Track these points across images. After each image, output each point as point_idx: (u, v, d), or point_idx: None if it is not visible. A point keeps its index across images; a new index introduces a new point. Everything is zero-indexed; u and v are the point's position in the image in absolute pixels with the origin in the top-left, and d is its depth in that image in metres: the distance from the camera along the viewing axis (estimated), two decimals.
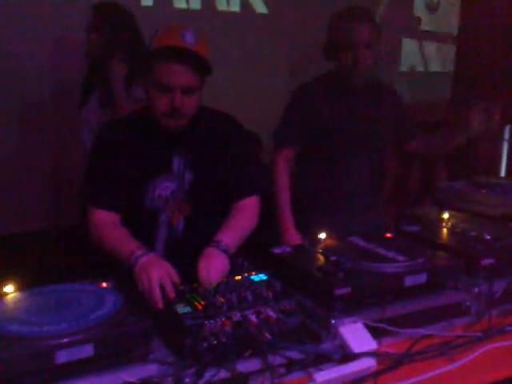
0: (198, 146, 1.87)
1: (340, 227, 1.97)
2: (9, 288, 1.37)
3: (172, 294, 1.45)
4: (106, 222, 1.81)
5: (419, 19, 4.91)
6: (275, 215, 2.38)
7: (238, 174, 1.92)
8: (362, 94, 2.40)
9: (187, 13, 3.90)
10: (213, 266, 1.57)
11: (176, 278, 1.53)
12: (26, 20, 3.28)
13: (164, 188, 1.84)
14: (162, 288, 1.48)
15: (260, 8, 4.19)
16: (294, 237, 2.29)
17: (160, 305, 1.44)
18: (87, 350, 1.17)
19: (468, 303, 1.63)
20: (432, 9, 4.94)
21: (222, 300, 1.40)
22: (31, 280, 1.47)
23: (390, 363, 1.39)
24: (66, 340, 1.15)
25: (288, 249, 1.77)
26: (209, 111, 1.91)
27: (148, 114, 1.82)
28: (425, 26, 4.94)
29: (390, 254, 1.65)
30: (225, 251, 1.70)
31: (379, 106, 2.45)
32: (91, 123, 2.72)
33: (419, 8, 4.92)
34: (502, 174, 2.76)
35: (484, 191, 2.14)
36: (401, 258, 1.62)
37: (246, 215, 1.91)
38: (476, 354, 1.48)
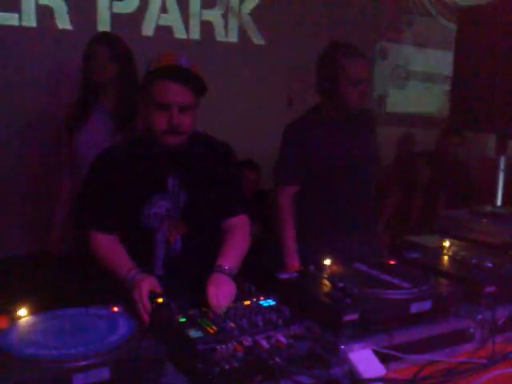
0: (192, 168, 1.96)
1: (339, 253, 2.02)
2: (22, 311, 1.38)
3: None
4: (106, 244, 1.90)
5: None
6: (280, 251, 2.46)
7: (227, 194, 2.01)
8: (348, 123, 2.50)
9: (187, 43, 3.98)
10: (222, 292, 1.60)
11: (159, 289, 1.63)
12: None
13: (159, 206, 1.91)
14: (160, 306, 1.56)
15: (257, 39, 4.28)
16: None
17: (146, 316, 1.54)
18: (104, 374, 1.18)
19: (472, 330, 1.66)
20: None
21: (233, 325, 1.42)
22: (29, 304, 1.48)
23: None
24: (83, 363, 1.17)
25: (294, 274, 1.79)
26: (203, 136, 2.03)
27: (142, 138, 1.95)
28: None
29: (395, 281, 1.68)
30: (231, 275, 1.75)
31: (365, 132, 2.57)
32: (96, 147, 2.70)
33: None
34: (498, 203, 2.82)
35: (484, 220, 2.19)
36: (406, 284, 1.65)
37: (239, 236, 1.97)
38: (481, 380, 1.50)
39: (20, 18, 3.33)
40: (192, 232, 1.96)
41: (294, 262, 2.43)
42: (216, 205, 1.98)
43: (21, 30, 3.36)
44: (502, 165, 2.80)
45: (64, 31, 3.44)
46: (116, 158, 1.97)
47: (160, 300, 1.57)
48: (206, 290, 1.61)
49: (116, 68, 2.78)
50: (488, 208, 2.41)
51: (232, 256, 1.86)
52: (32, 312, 1.41)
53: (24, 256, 3.16)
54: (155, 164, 1.92)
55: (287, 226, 2.48)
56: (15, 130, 3.39)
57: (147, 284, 1.63)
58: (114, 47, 2.79)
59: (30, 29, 3.39)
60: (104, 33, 2.88)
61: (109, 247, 1.89)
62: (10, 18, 3.31)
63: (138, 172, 1.91)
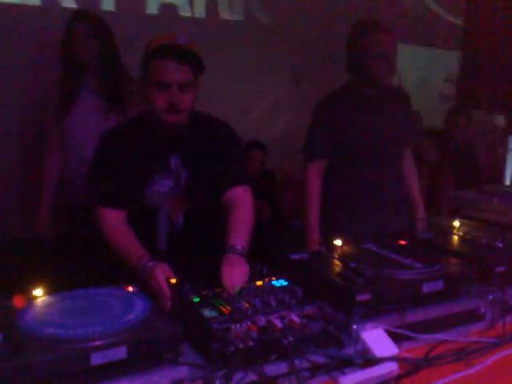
0: (193, 147, 2.00)
1: (365, 228, 2.15)
2: (38, 291, 1.39)
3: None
4: (115, 222, 1.94)
5: None
6: (303, 223, 2.50)
7: (227, 167, 2.03)
8: (380, 102, 2.52)
9: (191, 21, 3.94)
10: (236, 272, 1.61)
11: (171, 274, 1.63)
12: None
13: (162, 184, 1.96)
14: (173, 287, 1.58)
15: (262, 18, 4.24)
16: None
17: (168, 303, 1.53)
18: (121, 353, 1.19)
19: (482, 310, 1.67)
20: None
21: (247, 305, 1.43)
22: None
23: (409, 368, 1.42)
24: (100, 343, 1.18)
25: (305, 255, 1.80)
26: (204, 116, 2.06)
27: (145, 118, 1.98)
28: None
29: (407, 261, 1.68)
30: (242, 255, 1.77)
31: (397, 111, 2.58)
32: (90, 133, 2.69)
33: None
34: (507, 182, 2.82)
35: (495, 199, 2.19)
36: (418, 265, 1.65)
37: (244, 211, 1.99)
38: (492, 359, 1.52)
39: None
40: (194, 208, 2.01)
41: (314, 237, 2.47)
42: (217, 179, 2.01)
43: (25, 7, 3.34)
44: (510, 144, 2.79)
45: (68, 9, 3.39)
46: (120, 138, 2.01)
47: (173, 280, 1.58)
48: (221, 271, 1.62)
49: (97, 45, 2.76)
50: (497, 187, 2.41)
51: (242, 234, 1.87)
52: (47, 292, 1.42)
53: (18, 239, 3.17)
54: (158, 143, 1.96)
55: (313, 201, 2.52)
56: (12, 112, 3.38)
57: (161, 271, 1.64)
58: (93, 24, 2.77)
59: (34, 7, 3.37)
60: (82, 10, 2.89)
61: (117, 227, 1.92)
62: None
63: (141, 151, 1.95)
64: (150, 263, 1.71)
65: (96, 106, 2.81)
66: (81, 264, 2.62)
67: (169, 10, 3.87)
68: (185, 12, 3.94)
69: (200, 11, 3.99)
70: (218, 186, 2.01)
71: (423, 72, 5.06)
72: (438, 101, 5.02)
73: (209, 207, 2.04)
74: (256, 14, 4.23)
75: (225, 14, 4.11)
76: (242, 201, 2.01)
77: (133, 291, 1.45)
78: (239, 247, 1.78)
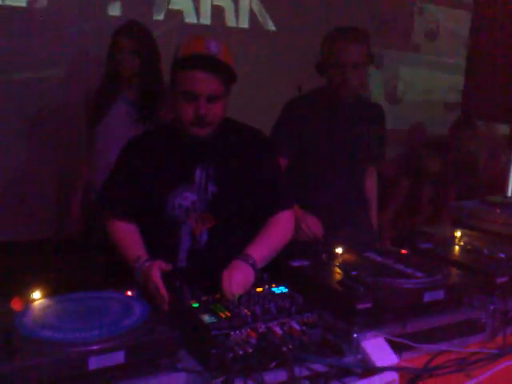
0: (222, 159, 1.89)
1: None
2: (36, 294, 1.38)
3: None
4: (122, 232, 1.87)
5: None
6: None
7: (269, 189, 1.93)
8: (348, 110, 2.48)
9: (197, 28, 3.96)
10: (235, 278, 1.58)
11: (167, 267, 1.60)
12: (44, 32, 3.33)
13: (184, 198, 1.87)
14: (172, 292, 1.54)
15: (268, 25, 4.25)
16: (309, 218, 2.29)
17: (166, 305, 1.49)
18: (119, 358, 1.18)
19: (483, 320, 1.66)
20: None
21: (247, 311, 1.42)
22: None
23: (410, 377, 1.41)
24: (98, 347, 1.17)
25: (306, 262, 1.79)
26: (234, 124, 1.95)
27: (172, 127, 1.90)
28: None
29: (408, 270, 1.68)
30: (252, 265, 1.68)
31: (364, 122, 2.52)
32: (118, 137, 2.72)
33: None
34: (510, 193, 2.81)
35: (497, 210, 2.18)
36: (419, 274, 1.65)
37: (277, 231, 1.89)
38: (493, 370, 1.51)
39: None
40: (220, 225, 1.90)
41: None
42: (250, 200, 1.90)
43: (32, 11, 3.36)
44: None
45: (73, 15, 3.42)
46: (144, 145, 1.93)
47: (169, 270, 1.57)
48: (221, 274, 1.59)
49: (140, 61, 2.79)
50: (500, 198, 2.40)
51: (262, 248, 1.78)
52: (45, 295, 1.41)
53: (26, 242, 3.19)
54: (182, 154, 1.88)
55: None
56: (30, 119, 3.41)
57: (157, 270, 1.58)
58: (139, 39, 2.79)
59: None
60: (129, 24, 2.85)
61: (124, 235, 1.86)
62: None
63: (165, 161, 1.87)
64: (146, 263, 1.65)
65: (127, 116, 2.84)
66: (92, 267, 2.63)
67: (175, 17, 3.88)
68: (191, 18, 3.95)
69: (206, 18, 4.01)
70: (254, 209, 1.91)
71: (428, 81, 5.11)
72: (442, 110, 5.05)
73: (236, 225, 1.93)
74: (261, 22, 4.24)
75: (230, 22, 4.12)
76: (279, 223, 1.90)
77: (132, 295, 1.45)
78: (251, 258, 1.69)
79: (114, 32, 2.81)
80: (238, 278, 1.58)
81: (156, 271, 1.58)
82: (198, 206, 1.88)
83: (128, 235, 1.86)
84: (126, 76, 2.81)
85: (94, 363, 1.16)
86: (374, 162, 2.71)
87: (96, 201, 2.80)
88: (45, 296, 1.40)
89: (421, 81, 5.12)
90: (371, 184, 2.72)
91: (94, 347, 1.17)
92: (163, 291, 1.52)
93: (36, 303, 1.36)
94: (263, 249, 1.79)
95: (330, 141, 2.45)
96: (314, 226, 2.26)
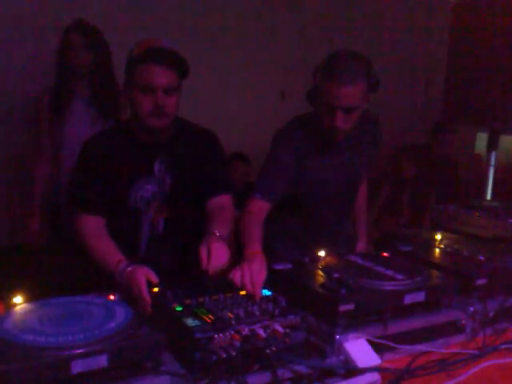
0: (178, 153, 2.01)
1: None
2: (18, 299, 1.37)
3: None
4: (93, 229, 1.92)
5: None
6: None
7: (212, 175, 2.06)
8: (344, 141, 2.18)
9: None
10: (213, 253, 1.64)
11: (155, 279, 1.61)
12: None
13: (146, 190, 1.99)
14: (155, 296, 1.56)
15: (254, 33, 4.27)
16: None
17: (149, 309, 1.52)
18: (102, 361, 1.18)
19: (463, 322, 1.69)
20: None
21: (230, 314, 1.43)
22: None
23: (391, 378, 1.43)
24: (81, 350, 1.16)
25: (289, 265, 1.80)
26: (191, 124, 2.09)
27: (131, 123, 1.99)
28: None
29: (389, 273, 1.69)
30: (221, 238, 1.77)
31: (363, 147, 2.28)
32: (82, 138, 2.71)
33: None
34: (488, 197, 2.86)
35: (476, 213, 2.21)
36: (400, 276, 1.67)
37: (226, 212, 2.01)
38: (473, 370, 1.53)
39: None
40: (175, 215, 2.03)
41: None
42: (201, 187, 2.02)
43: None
44: (492, 160, 2.84)
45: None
46: (105, 143, 2.01)
47: (155, 289, 1.57)
48: (198, 251, 1.65)
49: (91, 57, 2.81)
50: (479, 202, 2.44)
51: (222, 226, 1.86)
52: (27, 300, 1.40)
53: (7, 246, 3.14)
54: (142, 149, 1.97)
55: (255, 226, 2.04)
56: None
57: (143, 275, 1.60)
58: (90, 36, 2.81)
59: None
60: (79, 21, 2.88)
61: (95, 232, 1.91)
62: None
63: (126, 156, 1.96)
64: (129, 268, 1.68)
65: (88, 115, 2.84)
66: (67, 271, 2.60)
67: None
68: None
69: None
70: (202, 193, 2.03)
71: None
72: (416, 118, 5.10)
73: (191, 214, 2.06)
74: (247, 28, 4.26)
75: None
76: (225, 205, 2.03)
77: (114, 299, 1.44)
78: (217, 232, 1.78)
79: (64, 29, 2.83)
80: (216, 252, 1.65)
81: (141, 276, 1.60)
82: (157, 197, 2.00)
83: (101, 237, 1.90)
84: (81, 72, 2.83)
85: (77, 367, 1.15)
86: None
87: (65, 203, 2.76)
88: (26, 300, 1.39)
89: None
90: (361, 203, 2.55)
91: (77, 351, 1.16)
92: (146, 294, 1.54)
93: (18, 308, 1.35)
94: (225, 227, 1.87)
95: (328, 176, 2.21)
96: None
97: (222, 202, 2.04)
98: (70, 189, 2.07)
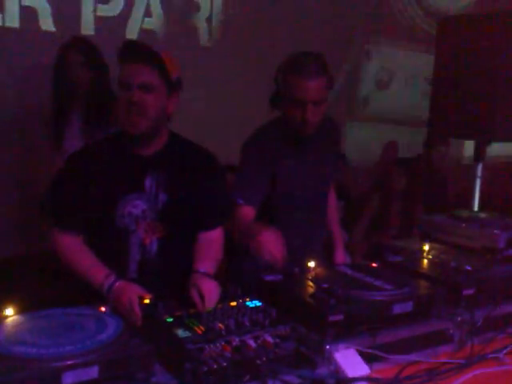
0: (172, 169, 1.91)
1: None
2: (9, 311, 1.38)
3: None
4: (72, 245, 1.86)
5: None
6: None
7: (211, 205, 1.97)
8: (310, 140, 2.25)
9: (170, 47, 3.98)
10: (207, 295, 1.61)
11: (148, 295, 1.60)
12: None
13: (134, 206, 1.86)
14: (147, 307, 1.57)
15: (241, 42, 4.30)
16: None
17: (140, 322, 1.52)
18: (93, 373, 1.18)
19: (451, 331, 1.70)
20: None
21: (221, 325, 1.44)
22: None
23: None
24: (72, 362, 1.17)
25: (279, 276, 1.81)
26: (184, 139, 1.99)
27: (122, 136, 1.89)
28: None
29: (378, 283, 1.71)
30: (211, 276, 1.77)
31: (327, 147, 2.36)
32: None
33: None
34: (476, 208, 2.90)
35: (464, 224, 2.24)
36: (388, 286, 1.69)
37: (215, 248, 1.97)
38: (460, 380, 1.54)
39: (3, 19, 3.30)
40: (169, 235, 1.90)
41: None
42: (196, 212, 1.94)
43: (3, 30, 3.34)
44: (479, 171, 2.88)
45: (47, 33, 3.42)
46: (92, 154, 1.92)
47: (147, 301, 1.58)
48: (189, 291, 1.63)
49: (89, 75, 2.84)
50: (466, 212, 2.47)
51: (209, 263, 1.86)
52: (18, 312, 1.41)
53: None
54: (132, 162, 1.88)
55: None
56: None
57: (135, 292, 1.61)
58: (88, 53, 2.84)
59: (12, 29, 3.37)
60: (77, 38, 2.93)
61: (74, 248, 1.86)
62: None
63: (114, 170, 1.87)
64: (118, 283, 1.68)
65: (85, 131, 2.88)
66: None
67: (148, 36, 3.90)
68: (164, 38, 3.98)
69: (180, 38, 4.04)
70: (198, 222, 1.95)
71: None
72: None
73: (185, 235, 1.94)
74: (235, 39, 4.29)
75: (204, 41, 4.17)
76: (214, 238, 1.98)
77: (105, 311, 1.45)
78: (204, 270, 1.78)
79: (61, 47, 2.85)
80: (208, 295, 1.62)
81: (133, 293, 1.61)
82: (148, 215, 1.87)
83: (83, 251, 1.85)
84: (79, 90, 2.86)
85: (68, 378, 1.16)
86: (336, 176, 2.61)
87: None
88: (18, 313, 1.39)
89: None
90: (332, 204, 2.55)
91: (68, 362, 1.17)
92: (137, 308, 1.55)
93: (9, 320, 1.36)
94: (212, 263, 1.87)
95: (301, 176, 2.26)
96: (275, 251, 1.82)
97: (213, 235, 1.98)
98: (47, 200, 1.94)
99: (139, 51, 1.82)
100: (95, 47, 2.89)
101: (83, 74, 2.83)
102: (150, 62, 1.79)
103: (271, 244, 1.80)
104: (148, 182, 1.87)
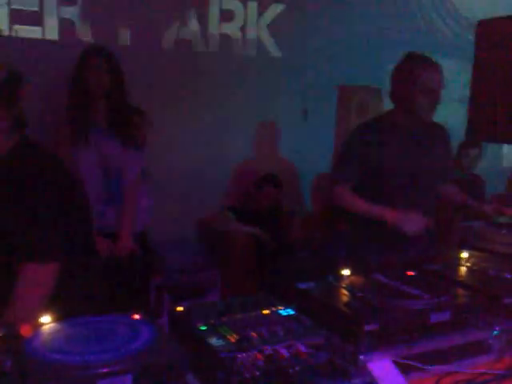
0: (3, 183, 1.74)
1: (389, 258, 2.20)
2: (46, 318, 1.41)
3: None
4: None
5: None
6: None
7: (26, 234, 1.75)
8: (419, 135, 2.59)
9: (206, 55, 4.03)
10: None
11: None
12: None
13: None
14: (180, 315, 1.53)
15: (274, 52, 4.32)
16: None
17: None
18: (126, 381, 1.19)
19: (490, 341, 1.66)
20: None
21: (254, 334, 1.43)
22: None
23: None
24: (107, 370, 1.18)
25: (313, 284, 1.80)
26: (25, 152, 1.80)
27: None
28: None
29: (415, 292, 1.68)
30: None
31: (438, 145, 2.65)
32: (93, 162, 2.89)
33: None
34: None
35: (503, 231, 2.19)
36: (426, 295, 1.65)
37: (27, 288, 1.76)
38: None
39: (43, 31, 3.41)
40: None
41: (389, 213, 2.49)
42: (13, 242, 1.73)
43: (43, 42, 3.44)
44: None
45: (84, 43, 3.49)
46: None
47: (180, 308, 1.59)
48: None
49: (109, 79, 2.94)
50: (506, 219, 2.41)
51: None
52: (55, 319, 1.43)
53: None
54: None
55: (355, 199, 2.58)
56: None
57: None
58: (107, 59, 2.95)
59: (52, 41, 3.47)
60: (96, 44, 3.10)
61: None
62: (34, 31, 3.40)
63: None
64: None
65: (103, 138, 2.97)
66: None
67: (185, 45, 3.96)
68: (200, 48, 4.03)
69: (214, 46, 4.08)
70: (11, 252, 1.74)
71: None
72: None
73: (8, 263, 1.76)
74: (268, 48, 4.31)
75: (238, 49, 4.19)
76: (28, 278, 1.74)
77: (139, 319, 1.46)
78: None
79: (82, 52, 2.97)
80: None
81: None
82: None
83: None
84: (97, 95, 2.95)
85: None
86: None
87: None
88: (54, 320, 1.42)
89: None
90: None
91: (103, 370, 1.18)
92: None
93: (45, 328, 1.38)
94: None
95: (408, 164, 2.55)
96: (417, 225, 2.40)
97: (29, 272, 1.73)
98: None
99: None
100: (112, 53, 3.02)
101: (103, 77, 2.94)
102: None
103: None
104: None
